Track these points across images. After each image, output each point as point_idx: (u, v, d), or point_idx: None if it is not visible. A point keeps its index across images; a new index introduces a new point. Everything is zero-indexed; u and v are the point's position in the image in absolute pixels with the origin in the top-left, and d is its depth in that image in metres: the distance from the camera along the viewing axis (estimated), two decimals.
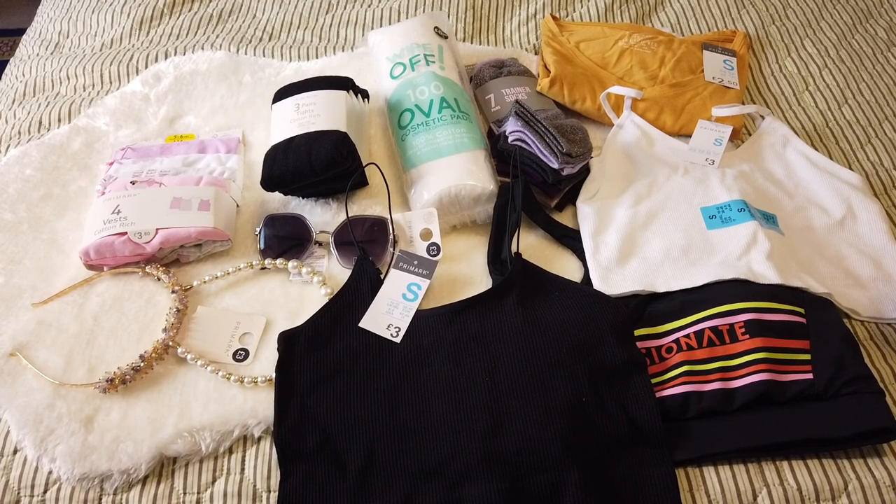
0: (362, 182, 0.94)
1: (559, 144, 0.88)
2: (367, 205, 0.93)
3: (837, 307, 0.83)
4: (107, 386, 0.77)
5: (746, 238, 0.85)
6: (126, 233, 0.86)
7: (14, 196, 0.97)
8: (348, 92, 0.97)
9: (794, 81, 1.14)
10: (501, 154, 0.93)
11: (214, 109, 1.08)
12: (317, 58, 1.18)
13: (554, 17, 1.18)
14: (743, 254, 0.84)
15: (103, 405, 0.77)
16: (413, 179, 0.93)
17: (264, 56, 1.18)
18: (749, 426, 0.73)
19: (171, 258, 0.89)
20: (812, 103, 1.11)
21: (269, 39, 1.24)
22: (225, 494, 0.72)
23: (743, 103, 1.09)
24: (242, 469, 0.74)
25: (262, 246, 0.90)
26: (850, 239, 0.90)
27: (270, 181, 0.90)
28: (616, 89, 1.01)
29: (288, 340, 0.79)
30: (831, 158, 1.02)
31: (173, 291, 0.84)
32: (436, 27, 1.07)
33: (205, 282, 0.87)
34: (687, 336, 0.79)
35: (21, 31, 1.37)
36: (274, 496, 0.72)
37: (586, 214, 0.91)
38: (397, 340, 0.79)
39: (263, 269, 0.89)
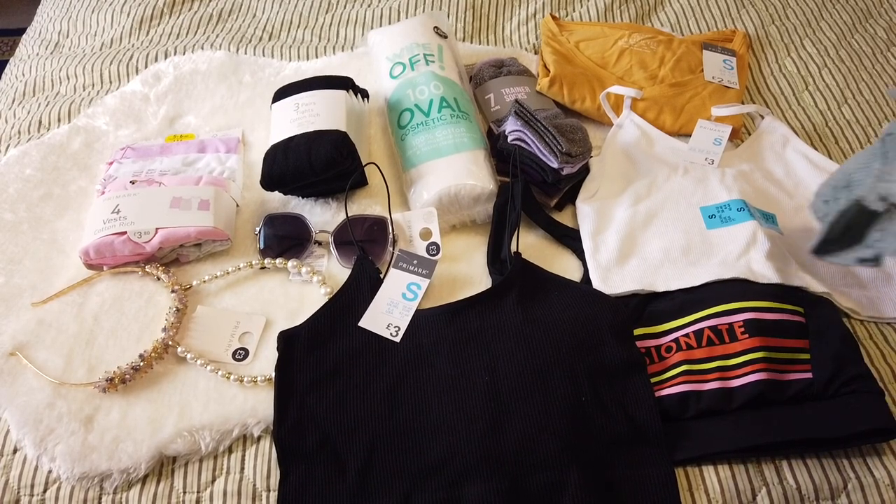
0: (362, 182, 0.94)
1: (559, 144, 0.88)
2: (366, 204, 0.93)
3: (837, 306, 0.83)
4: (106, 385, 0.77)
5: (746, 238, 0.85)
6: (126, 232, 0.86)
7: (14, 196, 0.97)
8: (348, 92, 0.97)
9: (794, 81, 1.14)
10: (501, 154, 0.94)
11: (214, 109, 1.08)
12: (317, 57, 1.18)
13: (554, 17, 1.18)
14: (742, 253, 0.84)
15: (103, 405, 0.77)
16: (413, 179, 0.93)
17: (264, 56, 1.18)
18: (748, 426, 0.73)
19: (170, 258, 0.89)
20: (812, 103, 1.11)
21: (269, 39, 1.24)
22: (225, 493, 0.73)
23: (742, 103, 1.10)
24: (242, 468, 0.74)
25: (262, 245, 0.90)
26: None
27: (270, 181, 0.90)
28: (616, 89, 1.01)
29: (287, 340, 0.79)
30: (831, 158, 1.02)
31: (173, 291, 0.85)
32: (435, 27, 1.07)
33: (204, 281, 0.87)
34: (686, 335, 0.79)
35: (21, 31, 1.37)
36: (273, 495, 0.72)
37: (586, 214, 0.91)
38: (397, 340, 0.79)
39: (263, 268, 0.89)
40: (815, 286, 0.82)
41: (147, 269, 0.87)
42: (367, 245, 0.88)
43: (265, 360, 0.81)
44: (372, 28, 1.23)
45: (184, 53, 1.18)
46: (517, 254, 0.86)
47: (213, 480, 0.73)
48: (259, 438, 0.76)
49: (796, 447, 0.73)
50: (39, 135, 1.07)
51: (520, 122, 0.91)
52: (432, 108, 0.96)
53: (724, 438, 0.73)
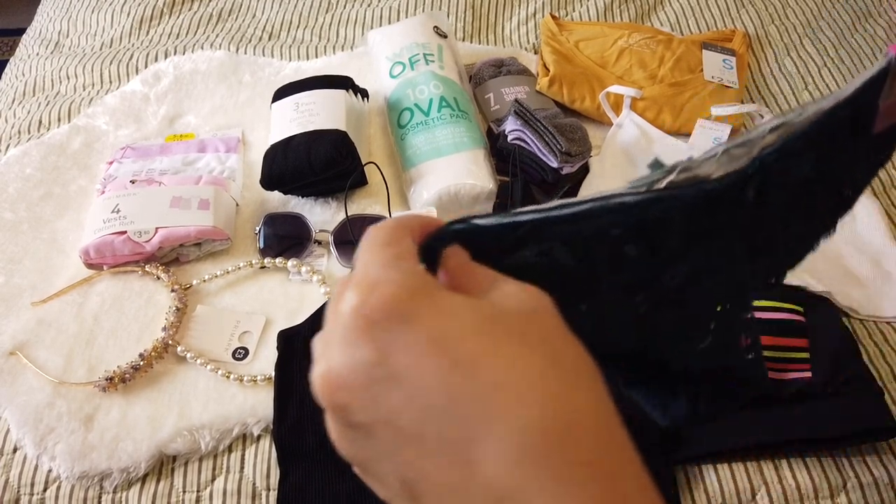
0: (362, 181, 0.94)
1: (558, 143, 0.88)
2: (366, 204, 0.93)
3: (836, 306, 0.83)
4: (106, 385, 0.77)
5: None
6: (126, 232, 0.86)
7: (14, 195, 0.97)
8: (348, 91, 0.97)
9: (794, 80, 1.14)
10: (501, 153, 0.94)
11: (214, 109, 1.08)
12: (316, 57, 1.18)
13: (553, 17, 1.18)
14: None
15: (103, 404, 0.77)
16: (412, 178, 0.93)
17: (264, 55, 1.18)
18: (747, 425, 0.73)
19: (170, 257, 0.89)
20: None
21: (269, 39, 1.24)
22: (224, 493, 0.73)
23: (742, 102, 1.10)
24: (242, 467, 0.74)
25: (262, 245, 0.90)
26: (849, 238, 0.90)
27: (270, 180, 0.90)
28: (615, 88, 1.01)
29: (287, 339, 0.80)
30: None
31: (173, 290, 0.85)
32: (435, 26, 1.07)
33: (204, 281, 0.87)
34: None
35: (21, 31, 1.36)
36: (273, 494, 0.72)
37: None
38: None
39: (263, 268, 0.89)
40: (815, 285, 0.82)
41: (147, 268, 0.87)
42: None
43: (265, 360, 0.81)
44: (372, 28, 1.24)
45: (184, 53, 1.18)
46: None
47: (213, 479, 0.74)
48: (259, 438, 0.76)
49: (796, 446, 0.73)
50: (39, 134, 1.07)
51: (519, 122, 0.91)
52: (432, 108, 0.96)
53: (724, 437, 0.73)
